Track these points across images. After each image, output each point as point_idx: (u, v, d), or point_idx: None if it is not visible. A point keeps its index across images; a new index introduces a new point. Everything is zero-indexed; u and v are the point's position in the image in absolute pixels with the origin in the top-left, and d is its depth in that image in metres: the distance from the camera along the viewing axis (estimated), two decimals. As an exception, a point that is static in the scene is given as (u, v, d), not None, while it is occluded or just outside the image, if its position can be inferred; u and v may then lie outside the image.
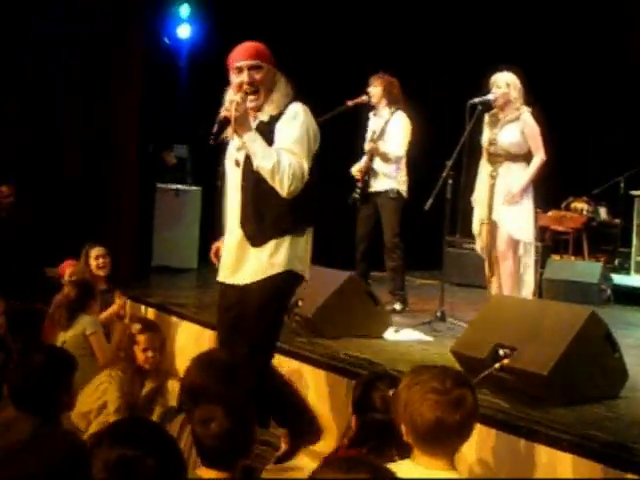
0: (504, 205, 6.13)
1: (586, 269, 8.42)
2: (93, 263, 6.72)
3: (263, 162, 3.98)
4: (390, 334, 5.89)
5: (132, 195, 8.85)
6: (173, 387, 5.82)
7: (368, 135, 7.28)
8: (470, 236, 7.36)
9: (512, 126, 6.17)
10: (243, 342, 4.12)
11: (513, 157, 6.16)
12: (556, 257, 9.25)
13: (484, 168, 6.34)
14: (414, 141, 7.19)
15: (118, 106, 8.71)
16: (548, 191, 8.39)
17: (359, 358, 5.05)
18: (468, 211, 6.77)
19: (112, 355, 5.69)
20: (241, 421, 2.85)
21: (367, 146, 7.20)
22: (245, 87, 4.14)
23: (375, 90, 7.15)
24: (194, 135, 10.18)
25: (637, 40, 10.08)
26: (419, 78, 8.91)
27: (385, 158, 7.10)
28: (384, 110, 7.19)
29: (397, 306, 7.05)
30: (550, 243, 9.66)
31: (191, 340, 6.36)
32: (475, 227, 6.42)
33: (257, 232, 4.18)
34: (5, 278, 6.87)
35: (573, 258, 9.49)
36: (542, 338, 4.21)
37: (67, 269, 6.74)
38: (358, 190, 7.20)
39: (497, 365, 4.23)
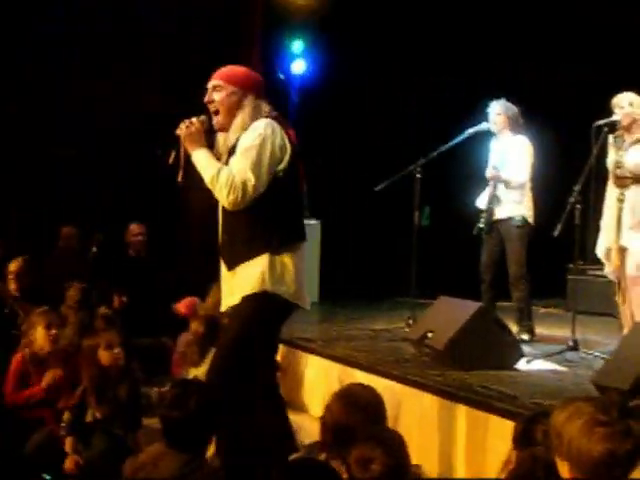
0: (632, 230, 5.97)
1: None
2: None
3: (204, 174, 4.08)
4: (522, 365, 5.76)
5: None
6: (304, 422, 5.86)
7: (490, 162, 7.20)
8: (598, 263, 7.20)
9: (639, 147, 6.02)
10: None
11: None
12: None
13: (611, 191, 6.18)
14: (539, 166, 7.09)
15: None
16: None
17: (494, 390, 4.94)
18: (596, 237, 6.62)
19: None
20: (400, 461, 2.83)
21: (488, 173, 7.11)
22: (209, 106, 4.28)
23: (497, 117, 7.07)
24: (310, 170, 10.32)
25: None
26: (542, 103, 8.76)
27: (508, 185, 7.01)
28: (505, 136, 7.11)
29: (524, 336, 6.90)
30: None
31: (320, 375, 6.35)
32: (599, 251, 6.28)
33: (230, 256, 4.25)
34: (134, 314, 7.05)
35: None
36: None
37: (185, 306, 6.86)
38: (482, 220, 7.10)
39: (643, 396, 4.09)
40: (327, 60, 9.89)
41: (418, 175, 7.21)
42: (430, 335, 5.75)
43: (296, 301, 4.24)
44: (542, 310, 9.08)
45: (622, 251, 6.03)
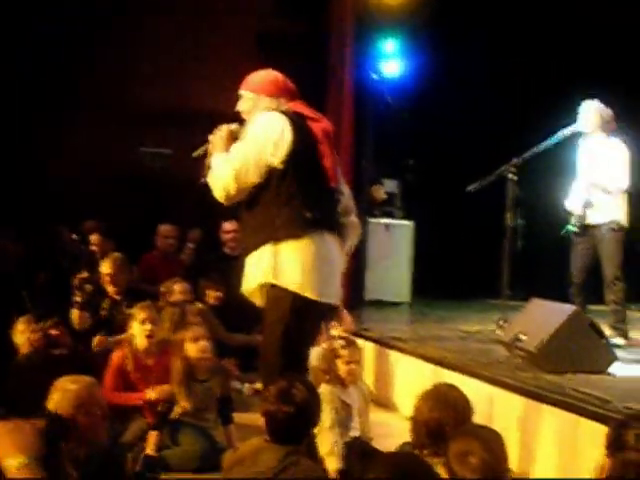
0: None
1: None
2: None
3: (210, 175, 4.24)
4: (616, 369, 5.70)
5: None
6: (394, 421, 5.92)
7: (581, 165, 7.12)
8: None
9: None
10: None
11: None
12: None
13: None
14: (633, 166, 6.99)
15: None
16: None
17: (587, 394, 4.89)
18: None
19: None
20: (498, 457, 2.88)
21: (584, 178, 7.02)
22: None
23: (591, 117, 6.99)
24: (404, 170, 10.35)
25: None
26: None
27: (606, 190, 6.92)
28: (598, 137, 7.03)
29: (618, 340, 6.81)
30: None
31: (410, 374, 6.39)
32: None
33: (245, 244, 4.36)
34: (229, 311, 7.14)
35: None
36: None
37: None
38: (573, 221, 7.04)
39: None
40: (420, 60, 9.89)
41: (511, 176, 7.17)
42: (522, 337, 5.73)
43: (306, 294, 4.09)
44: (638, 315, 8.93)
45: None
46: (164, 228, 8.09)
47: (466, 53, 9.63)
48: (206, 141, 4.34)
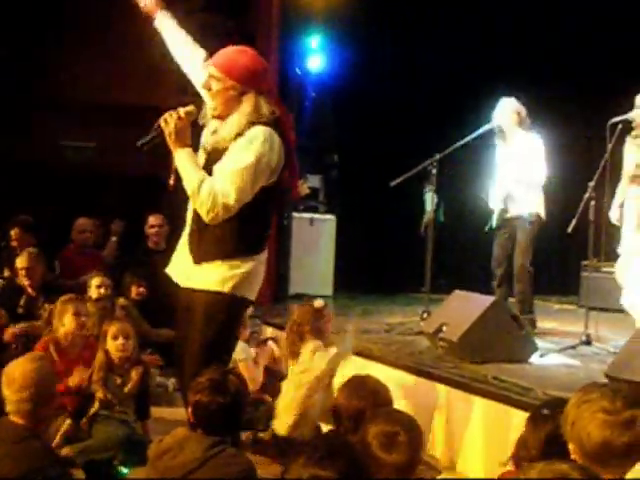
0: None
1: None
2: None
3: (186, 181, 3.88)
4: (536, 358, 5.83)
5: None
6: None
7: (499, 160, 7.28)
8: (611, 259, 7.25)
9: None
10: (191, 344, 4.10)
11: None
12: None
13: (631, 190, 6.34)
14: (557, 163, 7.15)
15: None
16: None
17: (508, 382, 5.01)
18: (611, 233, 6.70)
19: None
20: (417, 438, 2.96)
21: (505, 174, 7.16)
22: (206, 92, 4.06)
23: (510, 116, 7.12)
24: (326, 165, 10.39)
25: None
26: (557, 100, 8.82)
27: (528, 185, 7.06)
28: (517, 134, 7.16)
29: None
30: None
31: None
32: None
33: (198, 250, 4.08)
34: (152, 305, 7.09)
35: None
36: None
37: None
38: (494, 217, 7.19)
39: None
40: (344, 56, 9.94)
41: (433, 170, 7.28)
42: (445, 328, 5.83)
43: (249, 297, 4.20)
44: (556, 306, 9.15)
45: None
46: (79, 222, 7.96)
47: (389, 48, 9.72)
48: (152, 128, 3.90)
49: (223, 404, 3.34)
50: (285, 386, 5.32)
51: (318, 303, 5.52)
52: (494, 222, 7.18)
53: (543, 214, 7.08)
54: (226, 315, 4.10)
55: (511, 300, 7.29)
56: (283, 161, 4.01)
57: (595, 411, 2.53)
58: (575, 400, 2.64)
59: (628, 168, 6.46)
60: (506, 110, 7.14)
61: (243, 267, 4.05)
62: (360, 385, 3.76)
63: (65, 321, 5.36)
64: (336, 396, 3.78)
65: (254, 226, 4.08)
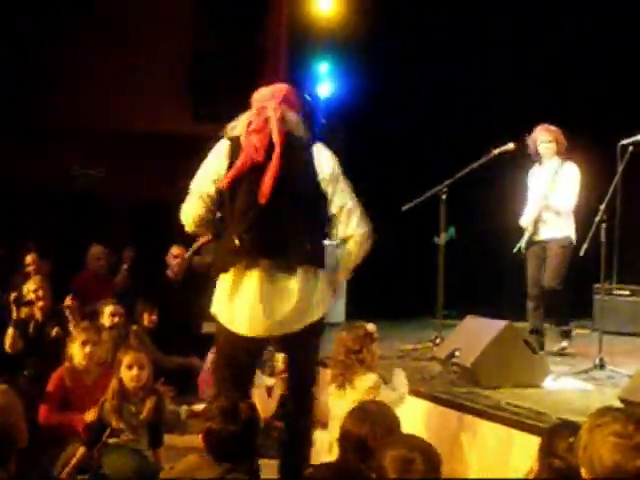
0: None
1: None
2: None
3: None
4: (549, 383, 5.80)
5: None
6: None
7: (534, 185, 7.33)
8: (624, 282, 7.24)
9: None
10: None
11: None
12: None
13: None
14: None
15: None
16: None
17: (521, 407, 4.98)
18: (622, 256, 6.68)
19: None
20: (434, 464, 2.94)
21: (540, 203, 7.20)
22: None
23: (549, 144, 7.20)
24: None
25: None
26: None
27: (558, 213, 7.13)
28: (554, 162, 7.22)
29: (565, 343, 7.31)
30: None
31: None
32: None
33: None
34: (165, 333, 7.13)
35: None
36: None
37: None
38: (524, 239, 7.26)
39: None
40: (353, 82, 9.99)
41: (444, 196, 7.29)
42: (457, 353, 5.80)
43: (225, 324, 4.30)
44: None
45: None
46: (95, 249, 8.03)
47: (397, 75, 9.76)
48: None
49: (234, 432, 3.33)
50: (334, 420, 4.89)
51: (371, 327, 5.31)
52: (523, 243, 7.22)
53: (574, 238, 7.12)
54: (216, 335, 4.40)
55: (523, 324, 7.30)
56: (225, 167, 4.13)
57: (607, 435, 2.52)
58: (588, 424, 2.63)
59: None
60: (546, 138, 7.20)
61: (219, 284, 4.29)
62: (368, 411, 3.70)
63: (75, 350, 5.37)
64: (343, 423, 3.68)
65: (220, 247, 4.36)
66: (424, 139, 9.65)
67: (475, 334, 5.93)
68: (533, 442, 4.02)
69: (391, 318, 9.48)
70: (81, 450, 4.93)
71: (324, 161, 4.27)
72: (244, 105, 4.37)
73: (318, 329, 4.35)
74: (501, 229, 8.06)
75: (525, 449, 4.38)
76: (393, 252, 9.98)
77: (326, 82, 10.21)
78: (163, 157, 8.94)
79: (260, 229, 4.11)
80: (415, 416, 5.30)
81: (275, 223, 4.12)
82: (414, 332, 8.58)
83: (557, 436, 3.19)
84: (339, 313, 9.52)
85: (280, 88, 4.43)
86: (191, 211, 4.17)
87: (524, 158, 7.41)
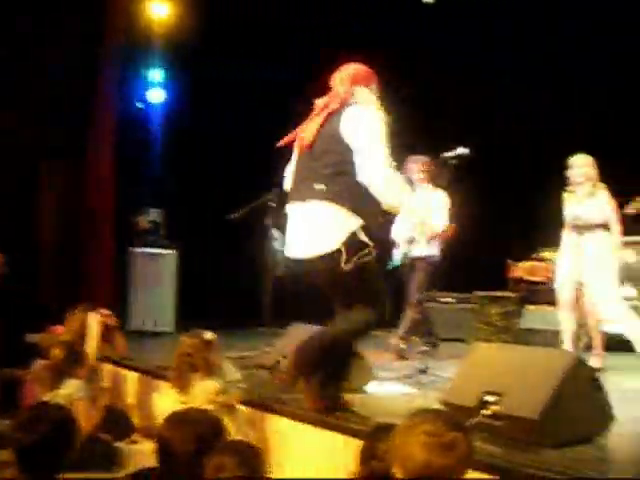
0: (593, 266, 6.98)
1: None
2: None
3: None
4: (374, 387, 5.90)
5: (107, 259, 8.87)
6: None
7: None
8: (447, 290, 7.50)
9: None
10: None
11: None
12: (531, 307, 9.28)
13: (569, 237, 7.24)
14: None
15: (93, 173, 8.76)
16: (520, 243, 8.55)
17: (345, 411, 5.02)
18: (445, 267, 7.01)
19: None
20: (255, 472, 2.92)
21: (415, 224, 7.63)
22: None
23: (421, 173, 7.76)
24: (168, 199, 10.29)
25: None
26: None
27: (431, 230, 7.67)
28: (426, 188, 7.82)
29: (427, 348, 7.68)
30: (525, 293, 9.74)
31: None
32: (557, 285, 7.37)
33: None
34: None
35: (548, 307, 9.54)
36: (529, 383, 4.24)
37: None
38: (398, 256, 7.75)
39: (486, 412, 4.26)
40: (186, 88, 9.93)
41: (272, 204, 7.29)
42: (284, 361, 5.82)
43: None
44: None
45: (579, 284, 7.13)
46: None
47: (226, 82, 9.77)
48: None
49: (34, 442, 3.20)
50: None
51: (210, 335, 5.40)
52: (397, 261, 7.62)
53: (439, 256, 7.71)
54: None
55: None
56: None
57: (418, 434, 2.58)
58: (401, 425, 2.69)
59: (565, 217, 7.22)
60: (416, 167, 7.73)
61: None
62: (188, 418, 3.66)
63: None
64: (159, 431, 3.61)
65: None
66: (251, 146, 9.67)
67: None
68: (357, 446, 4.07)
69: (221, 327, 9.44)
70: None
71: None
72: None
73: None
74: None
75: (350, 453, 4.43)
76: (223, 261, 9.97)
77: (158, 88, 10.11)
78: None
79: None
80: (242, 423, 5.27)
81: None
82: (243, 341, 8.56)
83: (377, 439, 3.25)
84: (169, 323, 9.42)
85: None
86: None
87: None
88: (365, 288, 4.72)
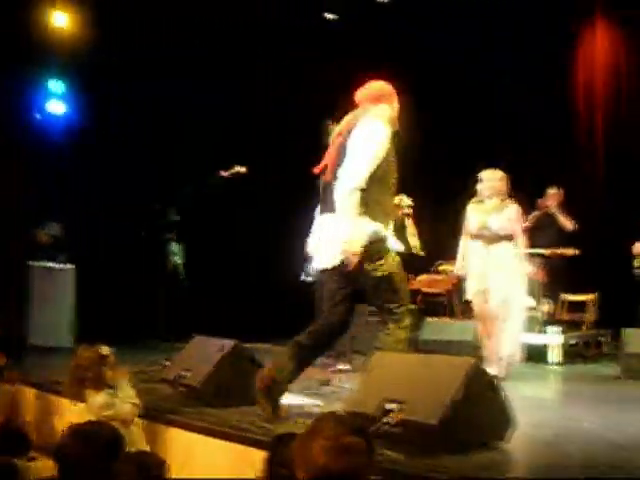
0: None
1: (461, 328, 8.61)
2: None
3: None
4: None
5: (6, 274, 8.72)
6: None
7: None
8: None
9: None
10: None
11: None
12: (431, 319, 9.42)
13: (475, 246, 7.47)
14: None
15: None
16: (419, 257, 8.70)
17: (248, 424, 5.04)
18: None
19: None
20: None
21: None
22: None
23: None
24: (68, 213, 10.12)
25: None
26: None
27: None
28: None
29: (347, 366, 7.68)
30: (423, 306, 9.91)
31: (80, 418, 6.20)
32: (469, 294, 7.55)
33: None
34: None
35: (447, 319, 9.73)
36: (429, 390, 4.32)
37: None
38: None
39: (386, 419, 4.32)
40: (88, 100, 9.83)
41: (177, 218, 7.29)
42: (186, 374, 5.80)
43: None
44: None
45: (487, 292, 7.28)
46: None
47: (126, 92, 9.71)
48: None
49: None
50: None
51: (105, 349, 5.37)
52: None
53: None
54: None
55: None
56: None
57: (318, 438, 2.61)
58: (305, 429, 2.71)
59: (471, 227, 7.45)
60: None
61: None
62: (86, 431, 3.64)
63: None
64: (58, 445, 3.60)
65: None
66: (160, 161, 9.63)
67: (203, 354, 5.96)
68: (261, 456, 4.07)
69: (119, 342, 9.33)
70: None
71: None
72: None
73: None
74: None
75: (254, 464, 4.43)
76: (123, 276, 9.85)
77: (59, 99, 9.97)
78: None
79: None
80: (141, 438, 5.21)
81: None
82: (144, 355, 8.48)
83: (282, 446, 3.27)
84: (67, 338, 9.25)
85: None
86: None
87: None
88: None
